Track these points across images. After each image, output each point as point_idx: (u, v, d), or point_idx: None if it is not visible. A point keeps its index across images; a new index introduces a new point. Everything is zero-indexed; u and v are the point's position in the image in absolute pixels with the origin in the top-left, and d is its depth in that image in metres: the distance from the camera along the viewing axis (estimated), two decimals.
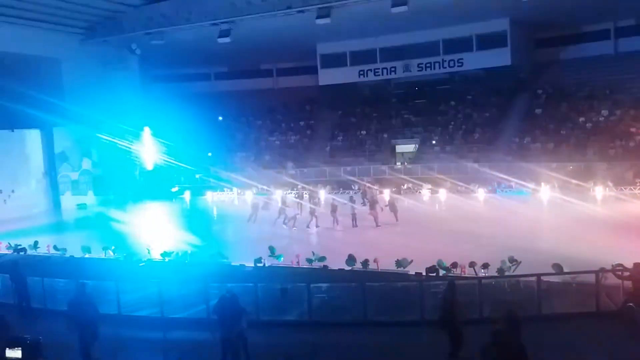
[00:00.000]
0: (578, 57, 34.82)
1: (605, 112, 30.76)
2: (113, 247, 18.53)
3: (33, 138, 31.38)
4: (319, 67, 39.07)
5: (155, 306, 12.64)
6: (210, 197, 33.05)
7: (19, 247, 19.29)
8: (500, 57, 33.99)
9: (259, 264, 15.89)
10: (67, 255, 18.61)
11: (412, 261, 14.48)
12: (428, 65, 36.25)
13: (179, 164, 34.62)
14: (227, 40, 31.60)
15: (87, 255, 18.34)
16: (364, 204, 24.10)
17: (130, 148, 34.26)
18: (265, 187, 32.31)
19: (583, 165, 27.70)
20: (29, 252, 19.09)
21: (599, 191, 24.99)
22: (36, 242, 19.63)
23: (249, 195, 31.63)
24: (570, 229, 18.92)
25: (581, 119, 31.27)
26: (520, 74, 35.87)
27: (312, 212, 22.55)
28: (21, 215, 27.40)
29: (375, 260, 14.91)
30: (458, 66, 35.68)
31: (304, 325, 11.74)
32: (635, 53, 32.52)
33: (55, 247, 19.19)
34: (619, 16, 33.27)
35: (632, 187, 25.23)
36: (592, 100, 32.27)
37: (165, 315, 12.35)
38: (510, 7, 29.69)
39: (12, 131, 30.04)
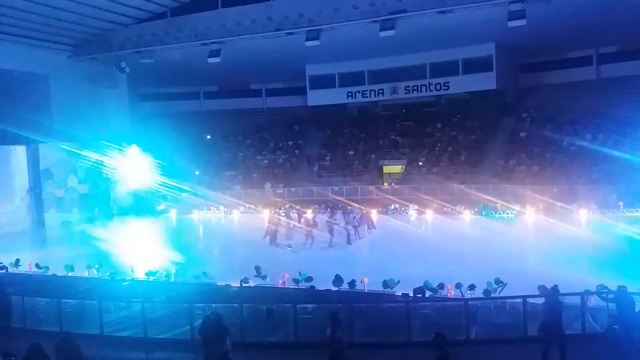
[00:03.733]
0: (561, 82, 35.54)
1: (588, 136, 31.35)
2: (97, 266, 18.26)
3: (18, 154, 30.86)
4: (307, 88, 39.36)
5: (138, 326, 12.43)
6: (197, 216, 32.80)
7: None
8: (485, 81, 34.61)
9: (244, 284, 15.75)
10: (50, 273, 18.31)
11: (399, 282, 14.49)
12: (415, 88, 36.76)
13: (166, 181, 34.40)
14: (216, 60, 31.83)
15: (70, 274, 18.05)
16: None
17: (116, 166, 34.02)
18: (252, 206, 32.25)
19: (567, 188, 28.05)
20: (10, 270, 18.72)
21: (583, 214, 25.29)
22: (17, 260, 19.29)
23: (237, 214, 31.52)
24: (556, 251, 19.05)
25: (565, 143, 31.83)
26: (506, 98, 36.52)
27: (290, 230, 22.84)
28: (4, 233, 26.90)
29: (362, 281, 14.88)
30: (444, 89, 36.22)
31: (290, 346, 11.61)
32: (616, 79, 33.33)
33: (37, 265, 18.86)
34: (601, 43, 34.16)
35: (615, 210, 25.57)
36: (575, 124, 32.89)
37: (149, 336, 12.13)
38: (496, 32, 30.42)
39: None
